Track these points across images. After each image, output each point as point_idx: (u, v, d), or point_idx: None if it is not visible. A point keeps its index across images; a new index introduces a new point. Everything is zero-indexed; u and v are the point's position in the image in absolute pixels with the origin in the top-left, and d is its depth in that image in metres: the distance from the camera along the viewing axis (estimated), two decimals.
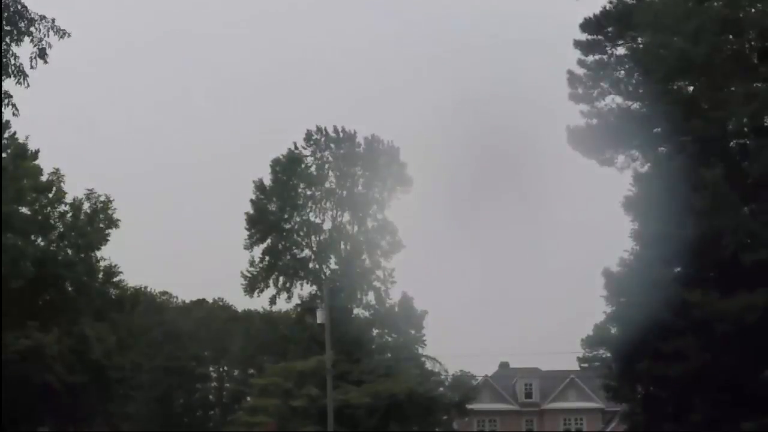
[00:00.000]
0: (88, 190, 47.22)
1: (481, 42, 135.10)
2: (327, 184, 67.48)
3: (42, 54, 18.78)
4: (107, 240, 47.03)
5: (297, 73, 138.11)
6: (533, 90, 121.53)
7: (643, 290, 33.87)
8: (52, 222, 46.26)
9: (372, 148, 67.54)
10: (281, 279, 66.16)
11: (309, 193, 67.43)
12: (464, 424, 77.39)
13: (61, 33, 19.11)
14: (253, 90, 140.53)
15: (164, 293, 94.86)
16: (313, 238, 66.62)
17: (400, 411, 54.46)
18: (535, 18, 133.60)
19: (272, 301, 66.90)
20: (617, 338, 38.42)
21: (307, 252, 66.71)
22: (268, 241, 66.45)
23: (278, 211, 66.61)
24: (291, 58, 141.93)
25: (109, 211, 47.13)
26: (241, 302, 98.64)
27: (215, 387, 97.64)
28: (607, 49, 38.76)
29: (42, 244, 45.50)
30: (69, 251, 45.81)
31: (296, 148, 67.44)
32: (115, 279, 48.62)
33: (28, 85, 18.84)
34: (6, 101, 19.50)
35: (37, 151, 46.50)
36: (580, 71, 38.56)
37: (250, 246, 66.35)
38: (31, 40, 18.78)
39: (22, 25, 18.74)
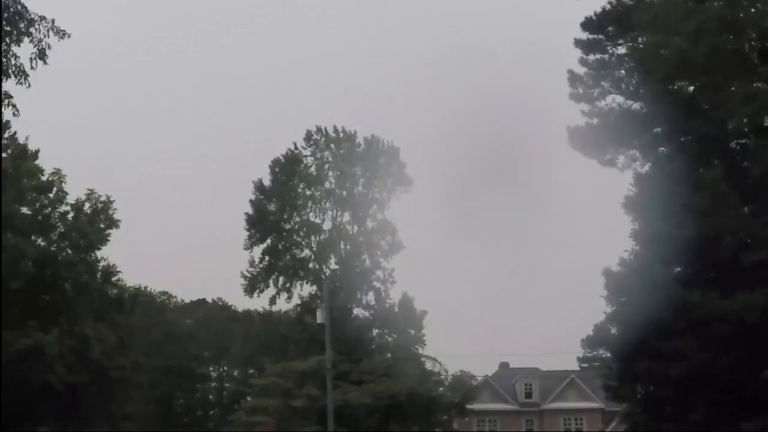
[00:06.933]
0: (89, 190, 47.12)
1: (481, 41, 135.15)
2: (327, 184, 67.57)
3: (42, 54, 18.79)
4: (108, 240, 46.94)
5: (297, 73, 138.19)
6: (533, 90, 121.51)
7: (643, 290, 33.81)
8: (53, 222, 46.15)
9: (372, 148, 67.59)
10: (281, 279, 66.23)
11: (309, 193, 67.50)
12: (464, 424, 77.32)
13: (61, 33, 19.13)
14: (253, 90, 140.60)
15: (164, 293, 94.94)
16: (313, 238, 66.66)
17: (400, 411, 54.47)
18: (535, 17, 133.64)
19: (272, 301, 67.10)
20: (617, 338, 38.37)
21: (307, 252, 66.79)
22: (268, 241, 66.51)
23: (278, 212, 66.67)
24: (292, 58, 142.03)
25: (110, 212, 47.03)
26: (241, 302, 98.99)
27: (215, 387, 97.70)
28: (608, 48, 38.65)
29: (42, 244, 45.39)
30: (69, 251, 45.70)
31: (296, 148, 67.56)
32: (114, 279, 48.51)
33: (29, 86, 18.86)
34: (6, 101, 19.53)
35: (37, 151, 46.44)
36: (581, 71, 38.47)
37: (250, 246, 66.46)
38: (31, 41, 18.80)
39: (22, 25, 18.76)
